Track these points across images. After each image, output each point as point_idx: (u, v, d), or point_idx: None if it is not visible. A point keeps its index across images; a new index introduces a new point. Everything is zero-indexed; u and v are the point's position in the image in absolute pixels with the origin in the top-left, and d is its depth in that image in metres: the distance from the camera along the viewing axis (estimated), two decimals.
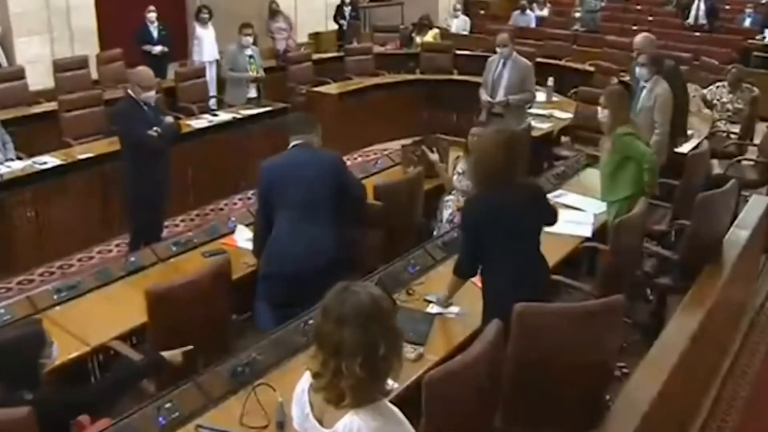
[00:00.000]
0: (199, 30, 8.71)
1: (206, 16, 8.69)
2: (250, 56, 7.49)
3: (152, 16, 8.57)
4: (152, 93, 4.94)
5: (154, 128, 4.90)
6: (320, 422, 1.83)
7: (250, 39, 7.44)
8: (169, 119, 5.25)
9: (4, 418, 2.28)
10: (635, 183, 4.33)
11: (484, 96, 6.33)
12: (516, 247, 3.07)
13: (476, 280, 3.54)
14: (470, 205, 3.24)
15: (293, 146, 3.77)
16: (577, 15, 12.28)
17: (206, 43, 8.63)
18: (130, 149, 4.99)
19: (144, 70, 5.06)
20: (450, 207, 4.77)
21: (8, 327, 3.16)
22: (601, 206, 4.51)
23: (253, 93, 7.52)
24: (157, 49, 8.46)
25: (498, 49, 6.29)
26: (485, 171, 3.12)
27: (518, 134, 3.35)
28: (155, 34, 8.58)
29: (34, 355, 2.58)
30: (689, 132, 5.96)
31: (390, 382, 1.78)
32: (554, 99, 7.69)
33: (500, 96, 6.22)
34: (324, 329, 1.73)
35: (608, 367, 2.84)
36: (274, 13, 9.76)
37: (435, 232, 4.67)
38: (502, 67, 6.28)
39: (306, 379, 1.90)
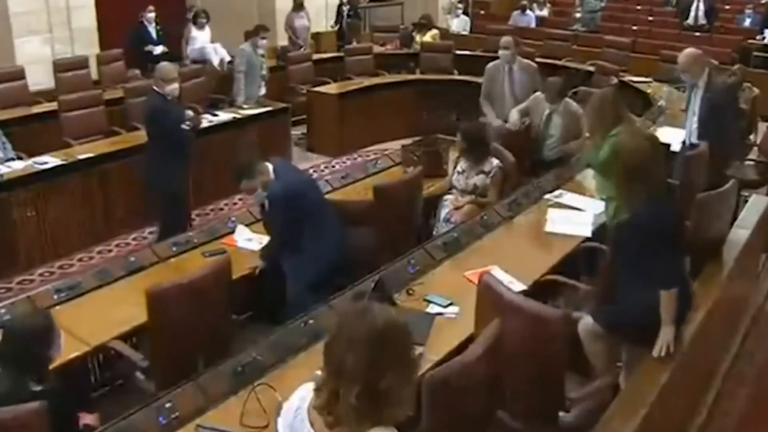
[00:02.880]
0: (195, 32, 8.71)
1: (204, 20, 8.70)
2: (262, 54, 7.50)
3: (151, 16, 8.57)
4: (175, 85, 5.07)
5: (186, 122, 5.10)
6: None
7: (266, 42, 7.46)
8: (190, 112, 5.38)
9: (17, 414, 2.31)
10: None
11: (497, 121, 5.94)
12: (682, 259, 3.10)
13: (473, 277, 3.54)
14: (657, 211, 2.95)
15: (281, 165, 4.09)
16: (577, 15, 12.29)
17: (199, 45, 8.62)
18: (161, 143, 5.09)
19: (165, 65, 5.23)
20: (447, 206, 4.76)
21: (19, 314, 3.15)
22: (601, 206, 4.51)
23: (263, 90, 7.51)
24: (159, 49, 8.45)
25: (500, 52, 6.08)
26: (639, 176, 2.94)
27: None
28: (154, 34, 8.59)
29: (45, 347, 2.61)
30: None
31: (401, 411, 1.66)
32: None
33: (511, 108, 5.77)
34: (332, 346, 1.66)
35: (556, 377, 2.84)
36: (299, 6, 9.72)
37: (435, 232, 4.67)
38: (508, 75, 6.10)
39: (299, 397, 1.79)
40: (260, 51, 7.43)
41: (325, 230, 4.01)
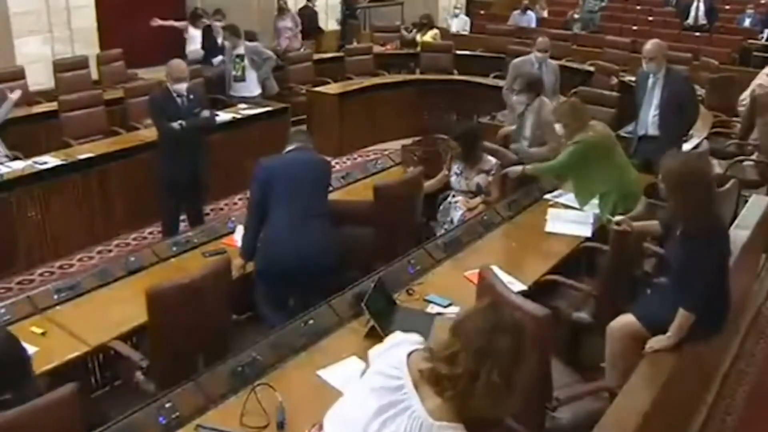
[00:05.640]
0: (192, 31, 8.70)
1: (197, 18, 8.69)
2: (238, 56, 7.24)
3: (218, 25, 8.51)
4: (183, 85, 5.17)
5: (179, 121, 5.12)
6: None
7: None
8: (206, 113, 5.41)
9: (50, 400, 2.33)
10: (607, 179, 4.36)
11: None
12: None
13: (473, 277, 3.54)
14: (723, 235, 3.12)
15: (291, 149, 3.98)
16: (576, 16, 12.29)
17: (197, 44, 8.61)
18: (159, 137, 5.36)
19: (176, 62, 5.28)
20: (461, 208, 4.72)
21: None
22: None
23: (249, 92, 7.32)
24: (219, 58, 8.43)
25: (538, 54, 6.50)
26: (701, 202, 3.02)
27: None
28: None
29: (14, 355, 2.46)
30: (690, 133, 5.94)
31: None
32: None
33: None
34: (467, 328, 1.78)
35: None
36: (282, 10, 9.76)
37: (435, 232, 4.66)
38: (539, 71, 6.36)
39: (408, 341, 1.94)
40: (236, 51, 7.22)
41: (283, 218, 3.74)
